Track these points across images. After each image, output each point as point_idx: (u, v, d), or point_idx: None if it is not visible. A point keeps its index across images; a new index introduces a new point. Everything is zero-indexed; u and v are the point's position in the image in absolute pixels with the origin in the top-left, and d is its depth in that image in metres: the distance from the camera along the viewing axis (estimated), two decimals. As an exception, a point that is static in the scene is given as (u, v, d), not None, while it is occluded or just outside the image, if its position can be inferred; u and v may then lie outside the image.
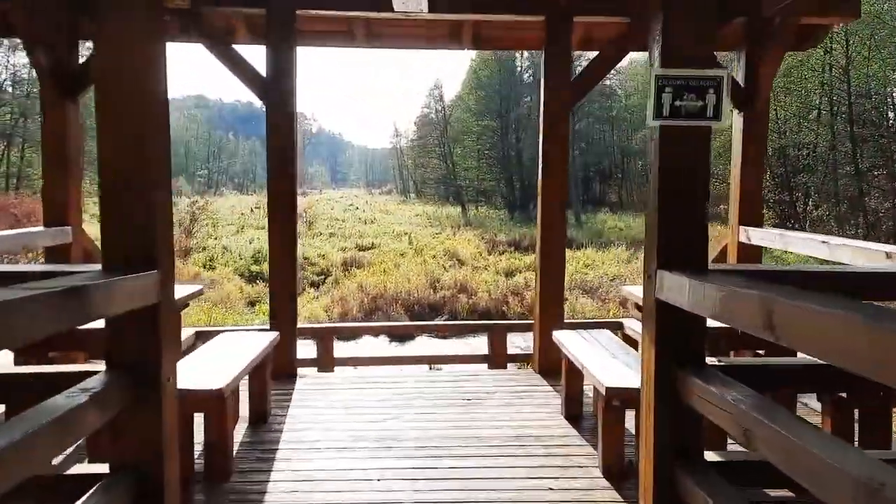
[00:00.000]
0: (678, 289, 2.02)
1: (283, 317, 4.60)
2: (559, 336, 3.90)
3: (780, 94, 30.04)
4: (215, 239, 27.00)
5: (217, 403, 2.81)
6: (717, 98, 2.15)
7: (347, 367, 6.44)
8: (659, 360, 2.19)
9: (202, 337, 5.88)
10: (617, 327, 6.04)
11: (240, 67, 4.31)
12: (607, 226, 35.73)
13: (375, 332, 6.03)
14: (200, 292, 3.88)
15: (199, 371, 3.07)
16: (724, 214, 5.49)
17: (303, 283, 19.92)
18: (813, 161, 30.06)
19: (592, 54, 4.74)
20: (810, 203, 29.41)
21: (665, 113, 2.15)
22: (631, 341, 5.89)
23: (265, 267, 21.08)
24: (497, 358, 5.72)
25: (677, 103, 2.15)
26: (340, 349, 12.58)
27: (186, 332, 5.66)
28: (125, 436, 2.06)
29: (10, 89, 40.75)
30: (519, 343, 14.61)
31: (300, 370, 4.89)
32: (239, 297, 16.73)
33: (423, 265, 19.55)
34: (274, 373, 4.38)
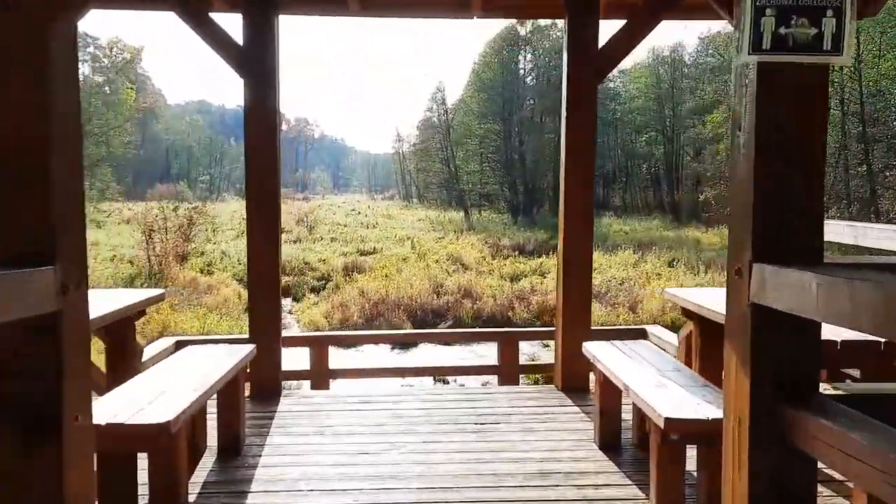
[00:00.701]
0: (796, 289, 1.40)
1: (264, 326, 3.99)
2: (592, 349, 3.27)
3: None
4: (214, 244, 26.43)
5: (163, 441, 2.19)
6: (836, 24, 1.54)
7: (345, 379, 5.82)
8: (756, 387, 1.58)
9: (184, 347, 5.29)
10: (640, 335, 5.43)
11: (213, 35, 3.71)
12: (612, 229, 35.10)
13: (375, 340, 5.46)
14: (160, 298, 3.27)
15: (145, 397, 2.45)
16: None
17: (303, 288, 19.34)
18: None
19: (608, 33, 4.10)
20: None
21: (766, 45, 1.54)
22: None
23: (264, 272, 20.65)
24: (508, 369, 5.13)
25: (782, 31, 1.53)
26: (339, 357, 11.97)
27: (166, 342, 5.05)
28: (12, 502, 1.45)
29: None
30: (525, 350, 13.99)
31: (288, 385, 4.29)
32: (236, 302, 16.17)
33: (426, 270, 18.97)
34: (254, 391, 3.77)
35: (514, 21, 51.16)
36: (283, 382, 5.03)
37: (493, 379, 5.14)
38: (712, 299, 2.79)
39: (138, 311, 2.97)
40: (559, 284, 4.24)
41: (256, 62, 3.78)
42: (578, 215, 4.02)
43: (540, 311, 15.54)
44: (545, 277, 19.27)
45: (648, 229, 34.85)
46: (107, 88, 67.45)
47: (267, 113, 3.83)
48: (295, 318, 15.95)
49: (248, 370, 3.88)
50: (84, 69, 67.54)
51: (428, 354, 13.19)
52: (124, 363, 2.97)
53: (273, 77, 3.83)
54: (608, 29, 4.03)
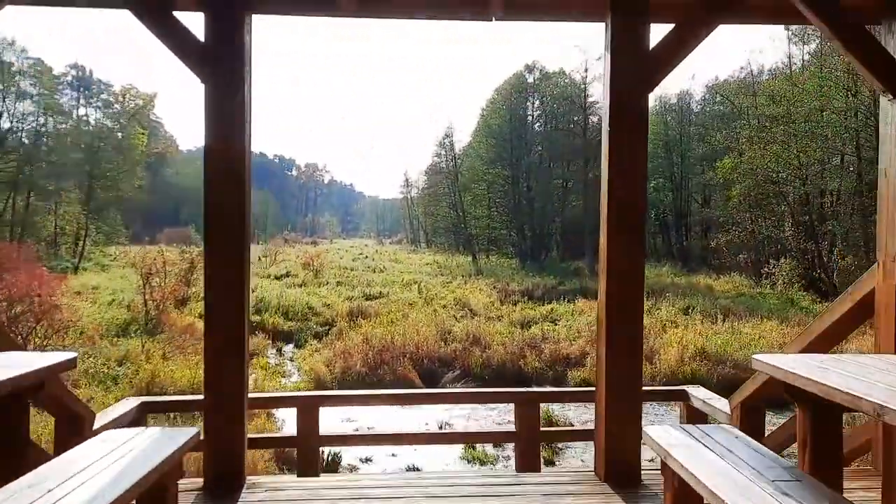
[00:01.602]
0: None
1: (223, 392, 3.14)
2: (661, 439, 2.40)
3: (802, 138, 28.89)
4: (216, 288, 25.80)
5: None
6: None
7: (339, 447, 4.97)
8: None
9: (150, 411, 4.51)
10: (679, 396, 4.61)
11: (172, 32, 3.01)
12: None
13: (373, 401, 4.61)
14: (68, 365, 2.46)
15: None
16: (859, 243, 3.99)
17: (306, 334, 18.48)
18: (839, 208, 28.67)
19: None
20: (836, 252, 27.86)
21: None
22: (699, 415, 4.46)
23: (266, 317, 19.77)
24: (527, 433, 4.33)
25: None
26: (335, 413, 11.01)
27: (127, 405, 4.26)
28: None
29: (21, 137, 40.53)
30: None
31: (259, 458, 3.48)
32: (233, 350, 15.35)
33: (433, 316, 18.17)
34: (209, 479, 2.96)
35: (522, 68, 51.59)
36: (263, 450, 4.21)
37: (512, 447, 4.33)
38: (830, 373, 2.02)
39: (32, 384, 2.15)
40: (601, 340, 3.33)
41: (220, 60, 3.06)
42: (626, 252, 3.18)
43: (552, 360, 14.65)
44: (556, 324, 18.44)
45: (658, 275, 34.04)
46: (119, 134, 68.21)
47: (232, 128, 3.07)
48: (296, 366, 15.10)
49: (203, 433, 3.08)
50: (96, 114, 68.48)
51: (435, 406, 12.30)
52: (10, 458, 2.14)
53: (241, 81, 3.07)
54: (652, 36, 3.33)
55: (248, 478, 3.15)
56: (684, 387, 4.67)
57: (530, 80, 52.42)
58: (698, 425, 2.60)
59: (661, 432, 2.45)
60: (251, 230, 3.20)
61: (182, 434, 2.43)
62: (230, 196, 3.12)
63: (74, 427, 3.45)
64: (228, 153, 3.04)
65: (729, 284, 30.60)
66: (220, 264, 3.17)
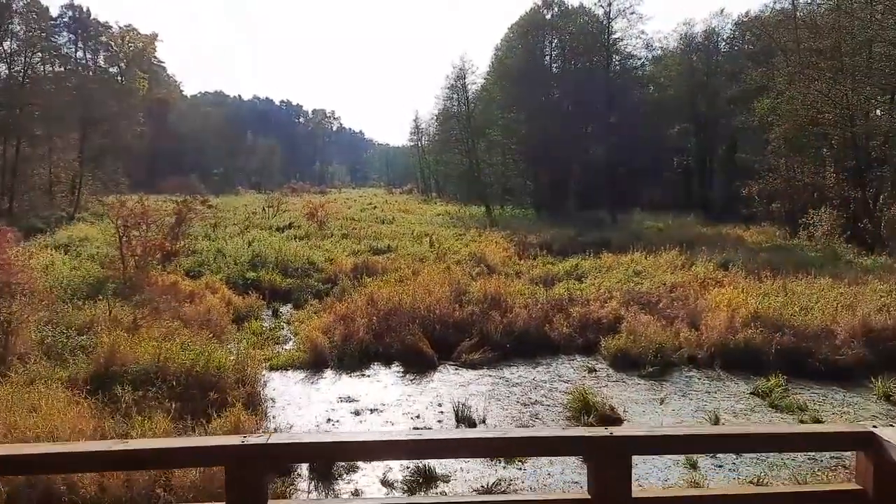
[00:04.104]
0: None
1: None
2: None
3: (851, 74, 26.13)
4: (212, 241, 23.84)
5: None
6: None
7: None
8: None
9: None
10: (859, 443, 2.64)
11: None
12: (644, 226, 32.03)
13: (352, 455, 2.67)
14: None
15: None
16: None
17: (305, 293, 16.58)
18: (891, 151, 26.02)
19: None
20: (881, 199, 25.46)
21: None
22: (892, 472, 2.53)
23: (263, 274, 17.83)
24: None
25: None
26: (327, 388, 9.00)
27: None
28: None
29: None
30: (564, 373, 11.08)
31: None
32: (223, 311, 13.46)
33: (446, 273, 16.14)
34: None
35: (538, 3, 48.08)
36: None
37: None
38: None
39: None
40: None
41: None
42: None
43: (582, 325, 12.68)
44: (582, 282, 16.36)
45: (683, 226, 31.72)
46: (119, 78, 65.68)
47: None
48: (292, 331, 13.26)
49: None
50: (94, 57, 65.74)
51: (450, 380, 10.52)
52: None
53: None
54: None
55: None
56: (869, 427, 2.68)
57: (548, 16, 49.10)
58: None
59: None
60: None
61: None
62: None
63: None
64: None
65: (761, 235, 28.39)
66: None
